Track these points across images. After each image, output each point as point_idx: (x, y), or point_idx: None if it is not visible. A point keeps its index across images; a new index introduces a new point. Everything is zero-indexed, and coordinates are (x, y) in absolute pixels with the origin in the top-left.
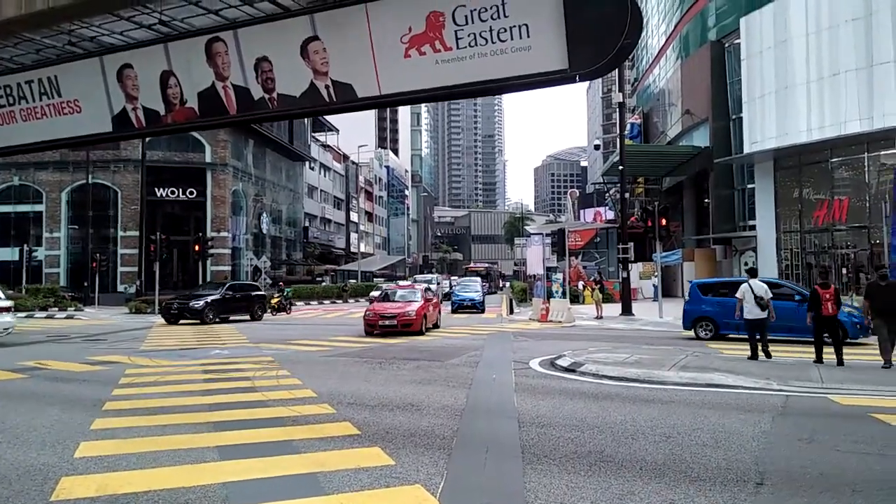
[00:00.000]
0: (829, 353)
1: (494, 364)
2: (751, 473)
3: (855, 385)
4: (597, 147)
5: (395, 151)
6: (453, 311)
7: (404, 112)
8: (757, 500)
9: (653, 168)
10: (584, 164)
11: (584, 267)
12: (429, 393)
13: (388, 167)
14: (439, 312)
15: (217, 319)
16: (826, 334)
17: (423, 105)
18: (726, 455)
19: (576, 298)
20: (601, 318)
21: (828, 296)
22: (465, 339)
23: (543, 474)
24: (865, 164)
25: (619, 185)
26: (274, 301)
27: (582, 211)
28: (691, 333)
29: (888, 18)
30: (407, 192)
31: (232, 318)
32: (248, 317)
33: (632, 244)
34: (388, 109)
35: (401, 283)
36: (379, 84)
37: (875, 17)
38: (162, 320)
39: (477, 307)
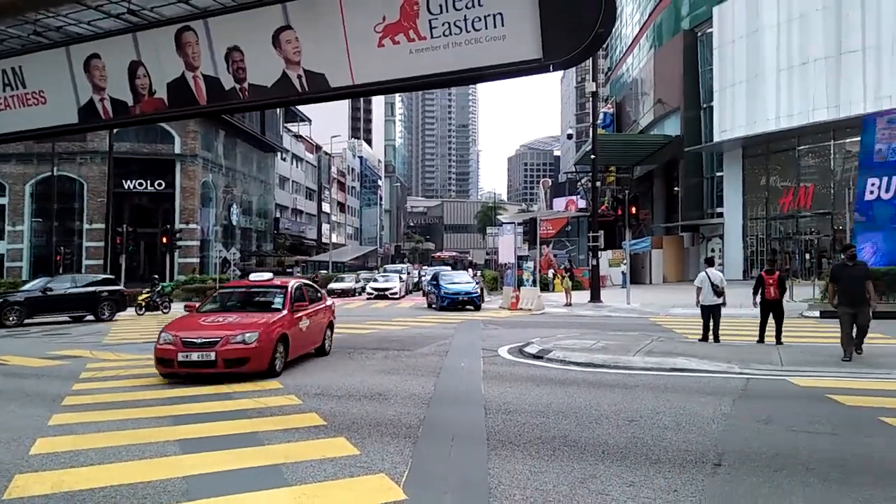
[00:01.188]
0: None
1: (464, 352)
2: (709, 454)
3: (814, 367)
4: (570, 136)
5: (369, 142)
6: (442, 310)
7: (378, 102)
8: (714, 481)
9: (624, 157)
10: (557, 153)
11: (555, 255)
12: (396, 382)
13: (361, 157)
14: (330, 328)
15: (25, 322)
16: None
17: (397, 95)
18: (686, 437)
19: (546, 286)
20: (570, 305)
21: (771, 281)
22: (436, 328)
23: (507, 460)
24: (831, 151)
25: (591, 173)
26: (141, 298)
27: (554, 200)
28: None
29: (857, 6)
30: (380, 183)
31: (83, 318)
32: (92, 317)
33: (602, 232)
34: (361, 99)
35: (253, 276)
36: (352, 74)
37: (844, 6)
38: (125, 313)
39: (474, 301)
